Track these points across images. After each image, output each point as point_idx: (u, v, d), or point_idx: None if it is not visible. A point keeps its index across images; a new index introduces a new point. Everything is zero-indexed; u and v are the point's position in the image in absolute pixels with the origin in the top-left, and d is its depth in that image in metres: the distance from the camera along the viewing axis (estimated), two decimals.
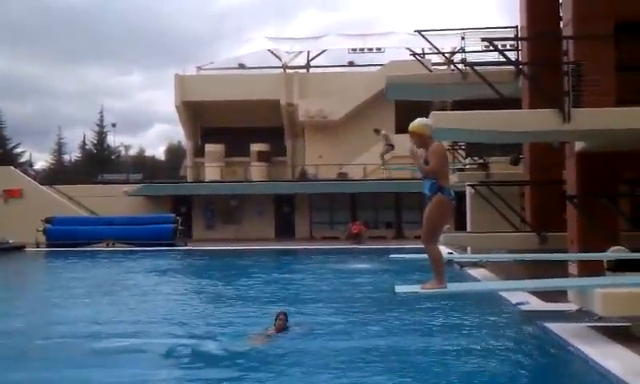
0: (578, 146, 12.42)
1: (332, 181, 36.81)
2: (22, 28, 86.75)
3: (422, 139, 7.01)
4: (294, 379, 7.45)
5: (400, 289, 7.68)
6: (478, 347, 8.75)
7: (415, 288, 7.45)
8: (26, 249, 31.42)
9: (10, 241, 32.46)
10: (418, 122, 7.08)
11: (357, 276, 18.42)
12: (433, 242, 7.08)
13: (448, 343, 8.95)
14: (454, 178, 21.95)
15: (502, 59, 13.35)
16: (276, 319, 9.69)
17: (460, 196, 22.79)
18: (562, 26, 13.91)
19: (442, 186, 6.86)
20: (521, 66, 14.67)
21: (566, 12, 13.16)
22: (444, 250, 21.76)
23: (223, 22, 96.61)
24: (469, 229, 21.05)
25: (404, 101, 28.22)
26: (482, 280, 15.13)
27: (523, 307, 10.84)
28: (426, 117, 10.84)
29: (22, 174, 40.61)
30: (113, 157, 65.57)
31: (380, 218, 37.43)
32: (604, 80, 10.92)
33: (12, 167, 41.08)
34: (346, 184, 36.54)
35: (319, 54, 43.44)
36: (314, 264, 22.38)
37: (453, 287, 7.70)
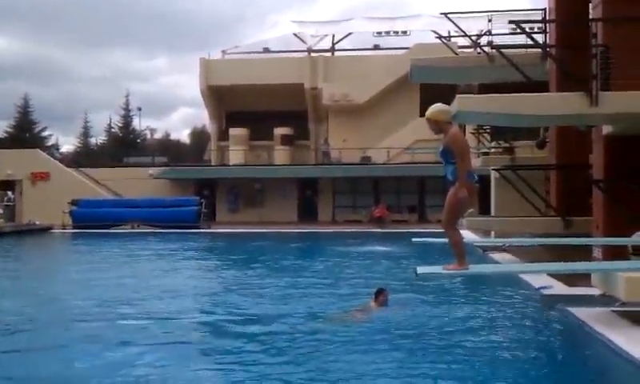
0: (606, 129, 12.26)
1: (355, 164, 36.79)
2: (46, 12, 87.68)
3: (437, 125, 6.99)
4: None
5: (422, 269, 7.66)
6: (500, 332, 8.72)
7: (437, 269, 7.43)
8: (53, 230, 31.91)
9: (37, 222, 33.02)
10: (432, 109, 7.06)
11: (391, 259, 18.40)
12: (452, 226, 7.05)
13: (470, 328, 8.91)
14: (478, 162, 21.83)
15: (530, 42, 13.21)
16: (376, 295, 9.82)
17: (484, 180, 22.76)
18: (590, 8, 13.69)
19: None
20: (548, 49, 14.52)
21: None
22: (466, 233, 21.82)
23: (247, 4, 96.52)
24: (493, 213, 20.91)
25: (429, 84, 28.02)
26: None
27: (546, 292, 10.75)
28: (452, 99, 10.84)
29: (48, 157, 41.18)
30: (138, 140, 66.08)
31: (403, 201, 37.33)
32: (633, 63, 10.75)
33: (39, 150, 41.63)
34: (370, 168, 36.49)
35: (344, 38, 43.22)
36: (360, 247, 22.38)
37: (475, 269, 7.65)
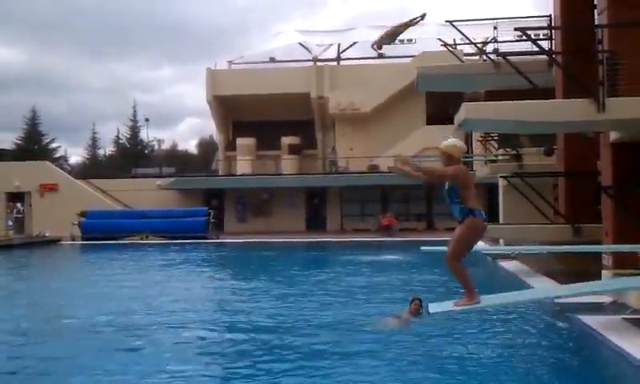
0: (613, 135, 12.21)
1: (363, 173, 36.78)
2: (54, 24, 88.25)
3: (450, 160, 6.93)
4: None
5: (434, 308, 7.58)
6: (511, 340, 8.70)
7: (449, 306, 7.34)
8: (62, 242, 32.01)
9: (47, 234, 33.16)
10: (449, 142, 6.98)
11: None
12: (457, 260, 6.89)
13: (482, 335, 8.91)
14: (485, 170, 21.79)
15: (535, 49, 13.20)
16: (411, 303, 9.96)
17: (492, 187, 22.69)
18: (595, 14, 13.67)
19: (472, 209, 6.74)
20: (554, 56, 14.50)
21: (600, 0, 12.94)
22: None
23: (251, 13, 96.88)
24: (501, 220, 20.86)
25: (435, 92, 28.02)
26: (515, 272, 15.00)
27: (557, 299, 10.72)
28: (457, 107, 10.86)
29: (57, 168, 41.39)
30: (146, 151, 66.28)
31: (411, 210, 37.29)
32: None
33: (48, 162, 41.88)
34: (377, 176, 36.44)
35: (350, 46, 43.36)
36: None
37: (487, 301, 7.53)
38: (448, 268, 6.98)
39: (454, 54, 23.36)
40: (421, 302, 9.93)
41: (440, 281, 13.18)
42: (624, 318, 8.54)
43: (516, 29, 13.85)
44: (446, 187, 6.93)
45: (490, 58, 18.49)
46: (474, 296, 7.02)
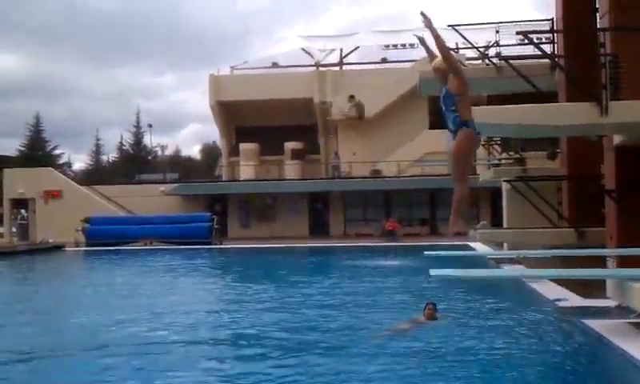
0: (616, 139, 12.20)
1: (366, 178, 36.78)
2: (56, 31, 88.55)
3: (445, 77, 6.82)
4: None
5: (434, 272, 7.73)
6: (516, 344, 8.68)
7: (449, 272, 7.48)
8: (66, 248, 32.02)
9: (51, 240, 33.19)
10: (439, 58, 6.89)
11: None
12: (464, 180, 6.41)
13: (487, 340, 8.89)
14: (489, 174, 21.76)
15: (538, 52, 13.21)
16: (425, 308, 9.94)
17: (496, 191, 22.66)
18: (598, 17, 13.68)
19: (465, 120, 6.44)
20: (557, 59, 14.50)
21: (602, 3, 12.94)
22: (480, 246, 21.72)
23: (254, 19, 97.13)
24: (505, 224, 20.83)
25: (438, 96, 27.99)
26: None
27: (561, 304, 10.71)
28: None
29: (61, 175, 41.46)
30: (149, 157, 66.45)
31: (414, 214, 37.26)
32: None
33: (51, 168, 41.98)
34: (380, 181, 36.46)
35: (352, 52, 43.39)
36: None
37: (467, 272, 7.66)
38: (455, 194, 6.35)
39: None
40: (435, 306, 9.91)
41: (444, 283, 13.19)
42: (629, 322, 8.52)
43: (518, 32, 13.91)
44: (444, 92, 6.79)
45: (492, 61, 18.48)
46: (456, 224, 6.37)
